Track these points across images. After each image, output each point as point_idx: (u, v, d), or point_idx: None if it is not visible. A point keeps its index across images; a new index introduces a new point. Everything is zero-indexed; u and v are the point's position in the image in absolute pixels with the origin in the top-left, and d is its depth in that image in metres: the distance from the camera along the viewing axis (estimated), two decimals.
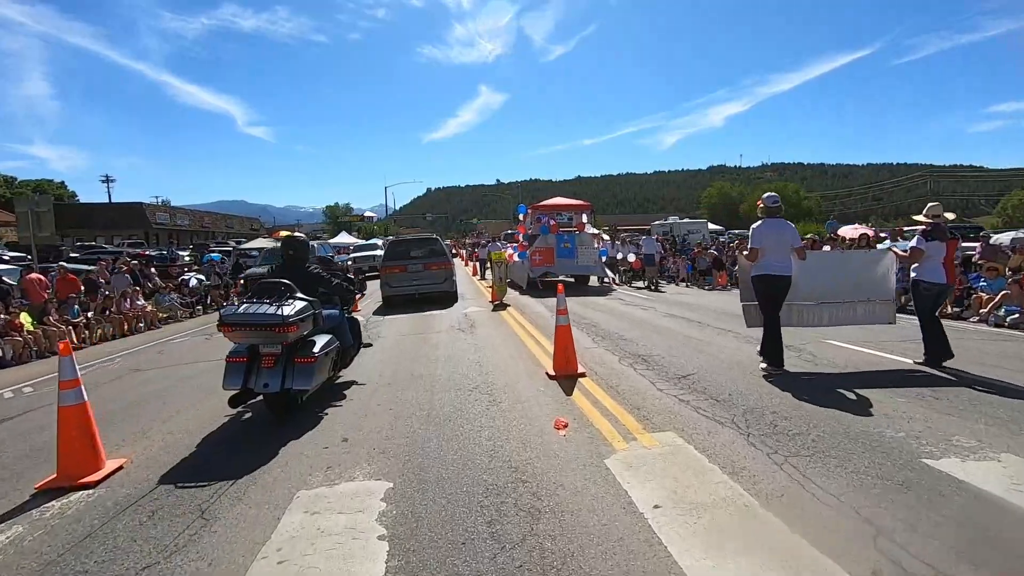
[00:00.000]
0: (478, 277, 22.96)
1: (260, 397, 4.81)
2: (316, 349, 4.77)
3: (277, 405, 4.73)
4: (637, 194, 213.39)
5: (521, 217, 18.83)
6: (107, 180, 61.94)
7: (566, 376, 5.86)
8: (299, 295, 4.88)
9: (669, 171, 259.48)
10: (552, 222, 17.32)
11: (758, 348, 5.89)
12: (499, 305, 12.39)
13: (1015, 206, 53.67)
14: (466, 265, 32.58)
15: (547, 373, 6.08)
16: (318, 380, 4.87)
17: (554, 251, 16.89)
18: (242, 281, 15.49)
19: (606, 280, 18.18)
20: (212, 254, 20.14)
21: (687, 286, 17.45)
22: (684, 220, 31.77)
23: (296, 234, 6.40)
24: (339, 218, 69.48)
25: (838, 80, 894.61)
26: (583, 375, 5.91)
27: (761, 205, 6.02)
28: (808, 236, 17.87)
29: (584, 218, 18.09)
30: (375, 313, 12.69)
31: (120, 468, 4.01)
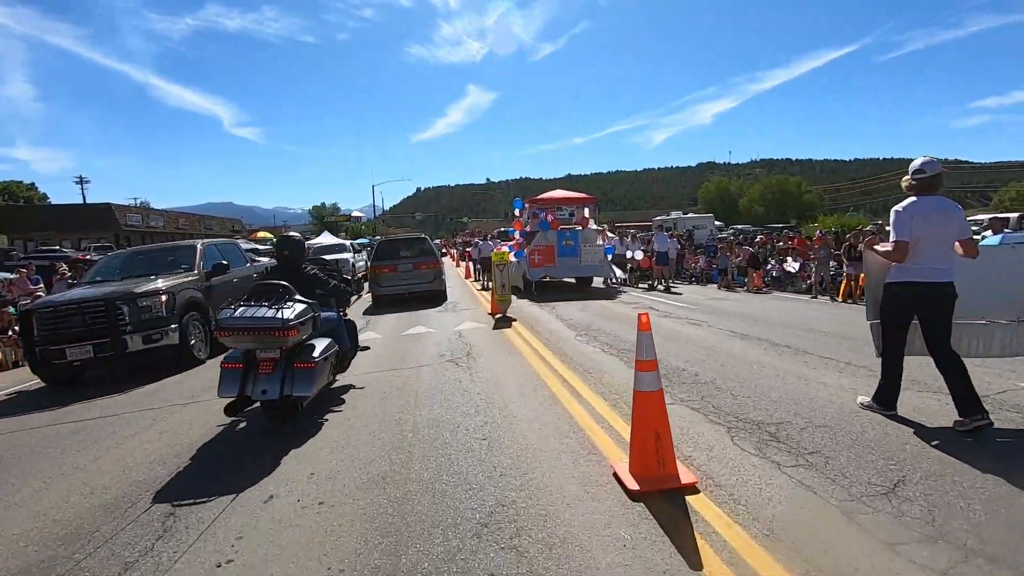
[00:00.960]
0: (472, 280, 21.01)
1: (257, 404, 4.60)
2: (316, 353, 4.60)
3: (276, 412, 4.58)
4: (628, 191, 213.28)
5: (517, 212, 17.14)
6: (81, 181, 59.45)
7: (661, 490, 3.11)
8: (298, 297, 4.68)
9: (659, 168, 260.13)
10: (551, 218, 15.65)
11: (953, 404, 3.83)
12: (502, 320, 10.08)
13: (1012, 198, 53.08)
14: (457, 266, 30.69)
15: (615, 475, 3.34)
16: (319, 385, 4.72)
17: (555, 250, 15.22)
18: None
19: (613, 281, 16.56)
20: None
21: (719, 288, 15.85)
22: (688, 215, 30.17)
23: (292, 234, 6.12)
24: (325, 218, 67.38)
25: (825, 77, 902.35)
26: (694, 489, 3.15)
27: (908, 180, 3.90)
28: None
29: (587, 212, 16.43)
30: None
31: None
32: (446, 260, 34.36)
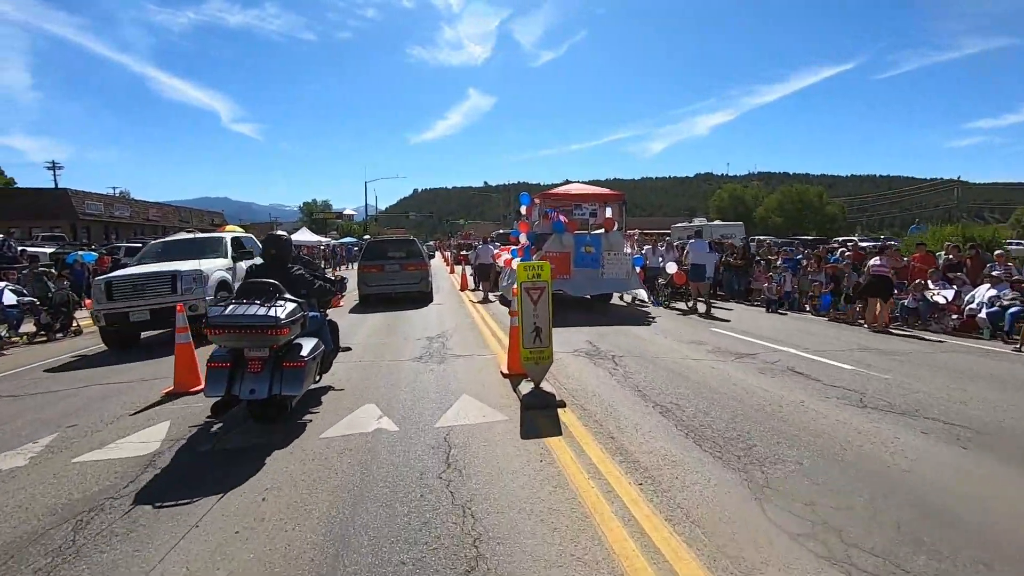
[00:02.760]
0: (470, 291, 17.39)
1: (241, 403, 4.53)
2: (304, 352, 4.57)
3: (263, 412, 4.55)
4: (626, 199, 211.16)
5: (523, 210, 14.07)
6: (53, 167, 55.83)
7: None
8: (288, 296, 4.68)
9: (656, 177, 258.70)
10: (563, 218, 12.67)
11: None
12: (534, 399, 5.20)
13: None
14: (451, 272, 26.31)
15: None
16: (307, 385, 4.72)
17: (571, 258, 12.19)
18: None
19: (641, 300, 13.49)
20: (87, 253, 14.57)
21: (828, 319, 12.69)
22: (715, 223, 27.05)
23: (279, 233, 5.80)
24: (314, 215, 64.08)
25: (821, 93, 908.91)
26: None
27: None
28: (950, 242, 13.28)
29: (610, 212, 13.39)
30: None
31: None
32: (439, 265, 31.36)
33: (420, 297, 14.03)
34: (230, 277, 9.59)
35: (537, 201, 13.04)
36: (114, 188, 66.36)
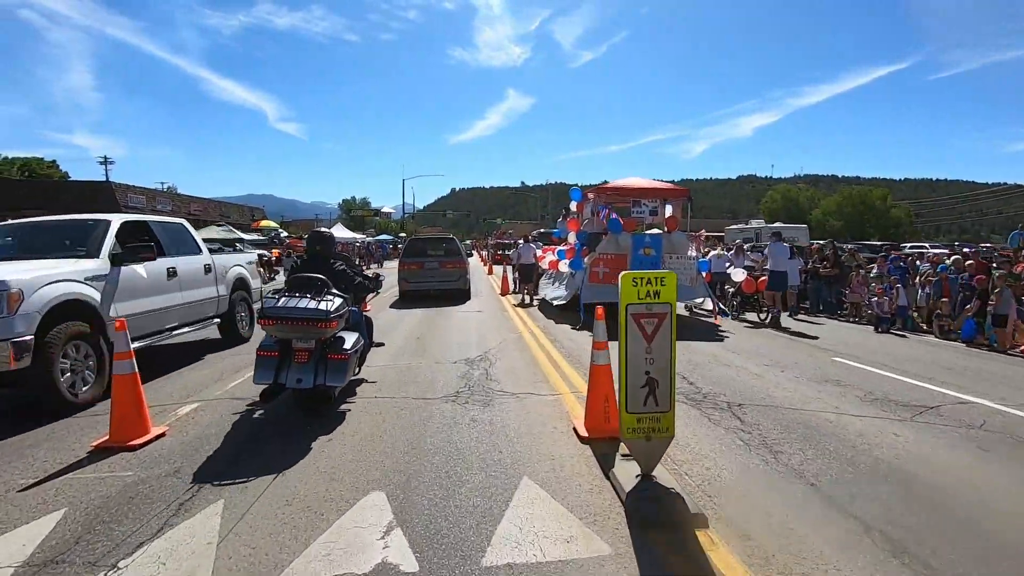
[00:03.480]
0: (511, 295, 15.71)
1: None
2: (347, 346, 4.70)
3: (308, 401, 4.69)
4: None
5: (574, 207, 12.66)
6: (105, 162, 57.68)
7: None
8: (334, 291, 4.78)
9: (697, 179, 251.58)
10: (614, 216, 11.21)
11: None
12: (654, 506, 3.09)
13: None
14: (489, 272, 25.11)
15: None
16: (349, 377, 4.85)
17: (627, 261, 10.73)
18: None
19: (702, 310, 11.91)
20: None
21: (968, 345, 10.46)
22: (776, 225, 24.89)
23: (322, 230, 6.04)
24: (352, 212, 64.18)
25: (872, 93, 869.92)
26: None
27: None
28: None
29: (669, 210, 11.86)
30: None
31: None
32: (477, 265, 30.19)
33: (458, 294, 14.00)
34: (94, 291, 5.41)
35: (590, 196, 11.60)
36: (161, 183, 68.11)
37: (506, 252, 39.50)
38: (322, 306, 4.42)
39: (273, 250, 23.35)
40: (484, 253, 41.05)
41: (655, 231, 11.66)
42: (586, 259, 10.94)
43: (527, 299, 14.55)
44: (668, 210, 11.64)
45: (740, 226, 21.92)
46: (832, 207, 50.16)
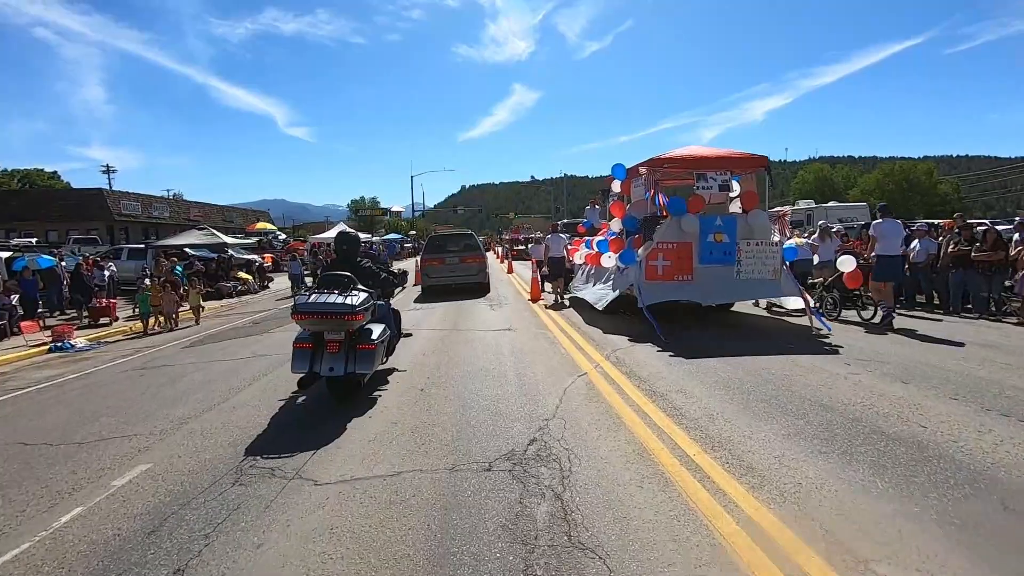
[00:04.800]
0: (546, 297, 12.96)
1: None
2: (374, 336, 5.03)
3: (339, 388, 4.99)
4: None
5: (617, 187, 10.32)
6: (108, 170, 56.42)
7: None
8: (360, 287, 5.17)
9: None
10: (660, 197, 8.91)
11: None
12: None
13: None
14: (509, 272, 21.69)
15: None
16: (376, 365, 5.20)
17: (693, 251, 8.41)
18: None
19: (788, 309, 9.50)
20: (43, 257, 11.14)
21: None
22: (831, 204, 22.14)
23: (348, 231, 6.87)
24: (359, 211, 62.28)
25: (886, 71, 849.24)
26: None
27: None
28: None
29: (736, 186, 9.51)
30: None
31: None
32: (494, 264, 27.66)
33: (478, 288, 14.18)
34: None
35: (642, 172, 9.21)
36: (167, 190, 66.77)
37: (525, 248, 37.05)
38: (348, 300, 4.81)
39: (266, 255, 21.19)
40: (499, 249, 38.81)
41: (735, 211, 9.31)
42: (640, 250, 8.64)
43: (559, 299, 12.36)
44: (736, 185, 9.25)
45: (786, 208, 19.29)
46: (871, 185, 46.85)
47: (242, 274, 15.22)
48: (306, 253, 22.97)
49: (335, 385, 4.94)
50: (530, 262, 15.30)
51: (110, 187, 50.20)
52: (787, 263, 8.74)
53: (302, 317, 4.81)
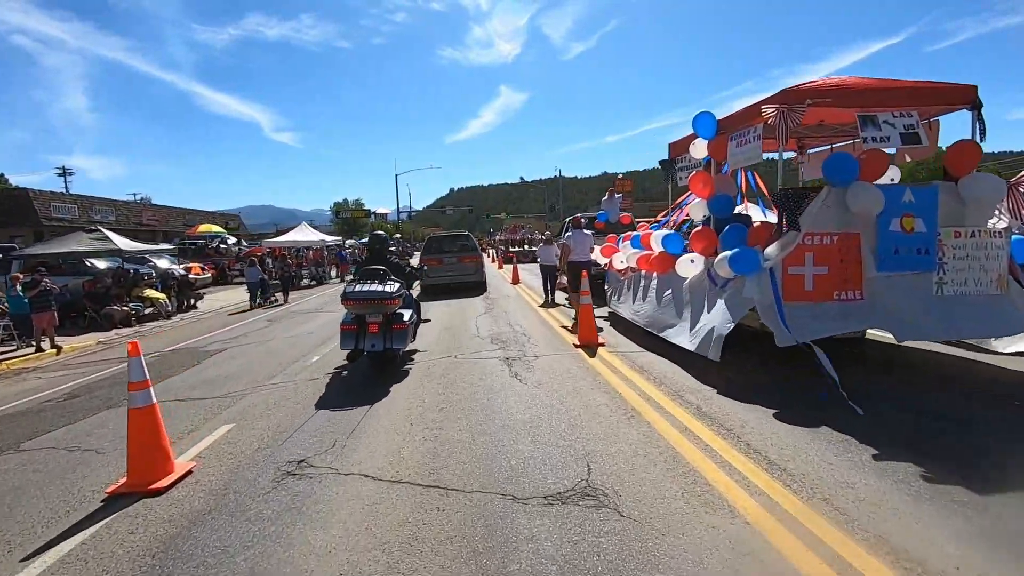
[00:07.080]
0: (548, 306, 10.52)
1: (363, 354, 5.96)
2: (406, 318, 6.05)
3: (379, 361, 6.01)
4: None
5: (701, 149, 6.51)
6: (64, 172, 51.96)
7: None
8: (393, 278, 6.24)
9: None
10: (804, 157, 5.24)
11: None
12: None
13: None
14: (515, 283, 17.01)
15: None
16: (408, 343, 6.31)
17: (861, 248, 4.68)
18: None
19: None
20: None
21: None
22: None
23: (379, 232, 7.37)
24: (340, 213, 58.15)
25: (869, 69, 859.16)
26: None
27: None
28: None
29: (922, 139, 5.62)
30: None
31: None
32: (493, 271, 23.95)
33: (476, 286, 14.65)
34: None
35: (769, 113, 5.23)
36: (134, 194, 62.05)
37: (523, 249, 32.77)
38: (386, 288, 5.91)
39: (192, 264, 16.64)
40: (492, 252, 34.82)
41: (934, 181, 5.58)
42: (772, 249, 4.89)
43: (596, 323, 8.29)
44: (922, 138, 5.42)
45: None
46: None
47: (151, 292, 11.08)
48: (268, 260, 19.10)
49: (376, 358, 5.93)
50: (551, 267, 11.46)
51: (67, 190, 45.68)
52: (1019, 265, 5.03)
53: (350, 303, 5.84)
